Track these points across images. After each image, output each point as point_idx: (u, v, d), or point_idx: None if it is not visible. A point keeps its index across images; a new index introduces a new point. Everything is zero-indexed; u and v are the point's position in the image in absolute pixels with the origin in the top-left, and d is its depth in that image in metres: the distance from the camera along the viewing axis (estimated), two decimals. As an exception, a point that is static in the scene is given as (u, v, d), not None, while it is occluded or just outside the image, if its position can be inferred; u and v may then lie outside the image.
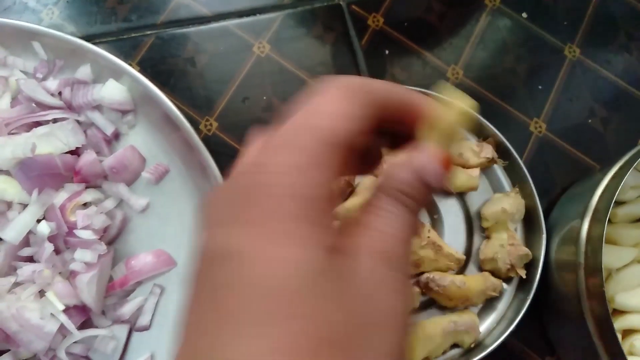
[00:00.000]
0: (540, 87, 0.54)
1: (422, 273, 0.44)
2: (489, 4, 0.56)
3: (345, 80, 0.19)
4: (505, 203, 0.45)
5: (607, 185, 0.43)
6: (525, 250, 0.44)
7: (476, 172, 0.46)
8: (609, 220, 0.48)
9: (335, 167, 0.18)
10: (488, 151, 0.47)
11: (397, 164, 0.19)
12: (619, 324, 0.43)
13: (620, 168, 0.43)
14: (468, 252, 0.47)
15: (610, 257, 0.45)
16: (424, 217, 0.47)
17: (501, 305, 0.46)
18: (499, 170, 0.49)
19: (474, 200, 0.48)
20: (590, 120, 0.53)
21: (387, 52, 0.53)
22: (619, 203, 0.48)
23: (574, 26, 0.56)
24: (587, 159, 0.52)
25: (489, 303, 0.46)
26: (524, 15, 0.56)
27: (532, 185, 0.46)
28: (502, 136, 0.47)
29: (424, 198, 0.19)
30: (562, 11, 0.57)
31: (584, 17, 0.57)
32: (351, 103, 0.19)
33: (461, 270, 0.47)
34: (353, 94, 0.19)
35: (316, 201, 0.17)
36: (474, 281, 0.43)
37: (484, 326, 0.45)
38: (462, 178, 0.46)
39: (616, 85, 0.55)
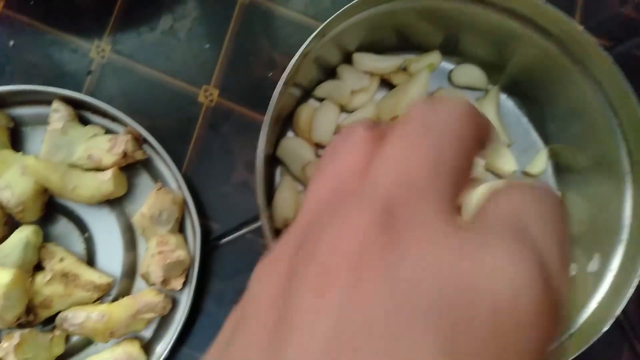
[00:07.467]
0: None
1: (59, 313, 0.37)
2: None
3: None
4: (144, 205, 0.38)
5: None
6: (178, 255, 0.38)
7: (108, 174, 0.38)
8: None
9: None
10: (121, 145, 0.39)
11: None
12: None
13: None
14: (132, 268, 0.40)
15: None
16: (75, 243, 0.40)
17: (178, 317, 0.40)
18: (161, 163, 0.41)
19: (138, 205, 0.41)
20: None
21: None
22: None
23: None
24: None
25: (167, 319, 0.40)
26: None
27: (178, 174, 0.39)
28: (137, 125, 0.40)
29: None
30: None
31: None
32: None
33: (127, 291, 0.40)
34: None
35: None
36: (120, 308, 0.37)
37: (161, 346, 0.39)
38: (91, 186, 0.38)
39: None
